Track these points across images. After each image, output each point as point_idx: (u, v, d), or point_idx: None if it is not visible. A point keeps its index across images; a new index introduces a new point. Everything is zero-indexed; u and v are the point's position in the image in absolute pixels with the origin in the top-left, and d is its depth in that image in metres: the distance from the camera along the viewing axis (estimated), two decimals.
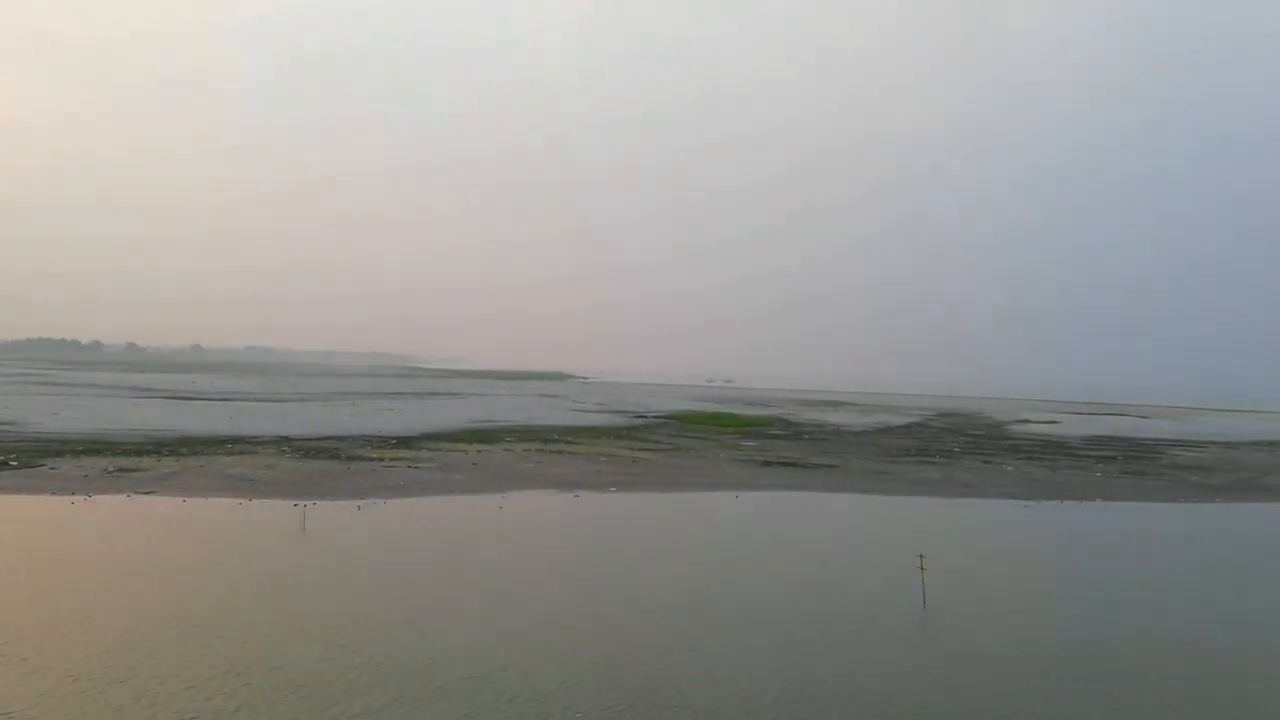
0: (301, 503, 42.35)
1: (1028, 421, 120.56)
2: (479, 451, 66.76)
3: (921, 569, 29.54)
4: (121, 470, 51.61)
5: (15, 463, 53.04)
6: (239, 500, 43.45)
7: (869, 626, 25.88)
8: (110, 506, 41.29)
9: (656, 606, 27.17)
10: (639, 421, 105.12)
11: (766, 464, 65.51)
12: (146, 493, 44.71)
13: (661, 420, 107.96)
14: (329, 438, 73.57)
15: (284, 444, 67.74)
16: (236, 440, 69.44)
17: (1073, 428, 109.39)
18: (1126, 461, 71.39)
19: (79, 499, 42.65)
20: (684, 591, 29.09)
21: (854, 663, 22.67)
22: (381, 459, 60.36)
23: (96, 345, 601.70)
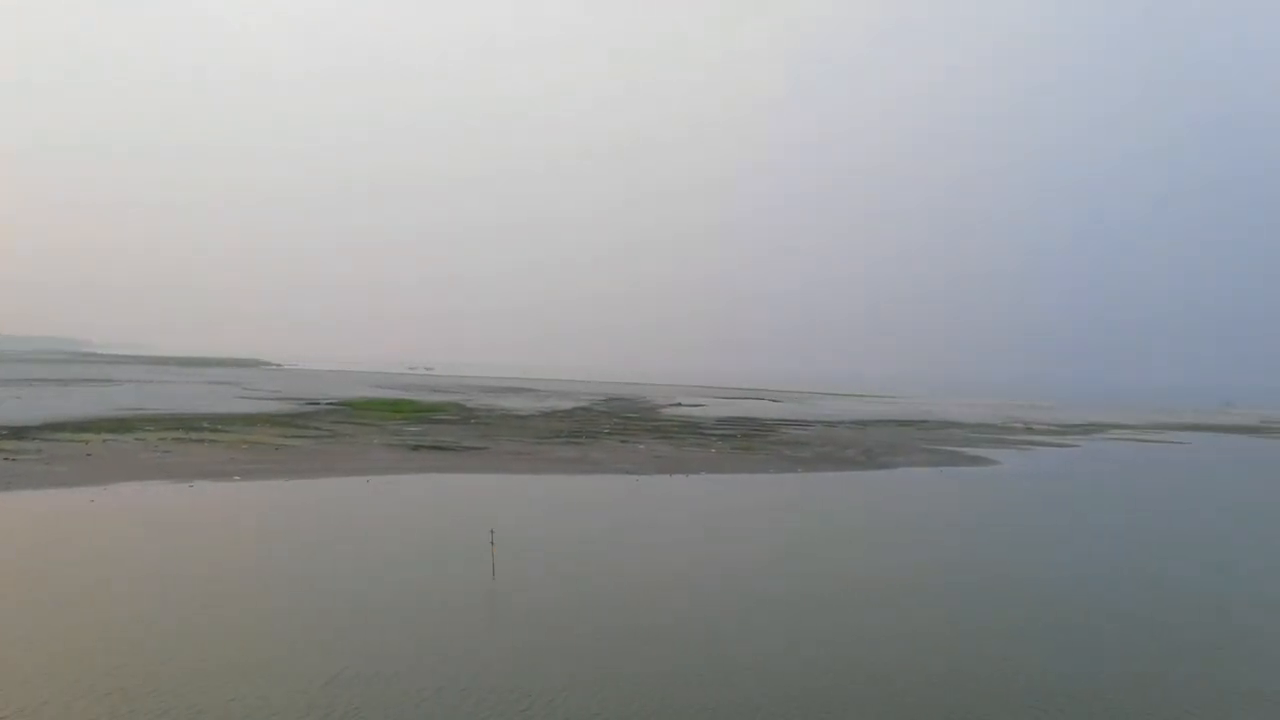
0: None
1: (679, 404, 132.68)
2: (104, 441, 61.96)
3: (492, 544, 32.18)
4: None
5: None
6: None
7: (441, 601, 27.69)
8: None
9: (211, 601, 26.90)
10: (308, 409, 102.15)
11: (417, 448, 66.88)
12: None
13: (333, 407, 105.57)
14: None
15: None
16: None
17: (714, 410, 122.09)
18: (743, 439, 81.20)
19: None
20: (253, 582, 29.41)
21: (421, 637, 24.10)
22: None
23: None
